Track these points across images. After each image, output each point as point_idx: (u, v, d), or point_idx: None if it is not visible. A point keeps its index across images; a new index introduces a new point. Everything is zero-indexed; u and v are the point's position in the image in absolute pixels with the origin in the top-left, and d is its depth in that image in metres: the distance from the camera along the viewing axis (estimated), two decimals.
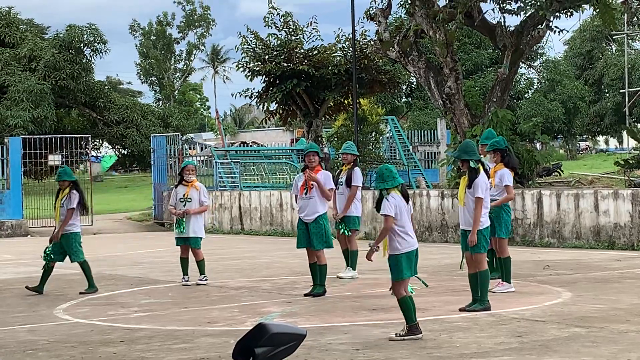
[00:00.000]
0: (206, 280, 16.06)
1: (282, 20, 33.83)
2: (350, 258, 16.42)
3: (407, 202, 10.40)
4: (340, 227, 16.23)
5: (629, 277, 15.60)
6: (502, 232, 13.79)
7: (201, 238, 16.30)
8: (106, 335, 11.26)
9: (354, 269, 16.45)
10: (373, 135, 35.28)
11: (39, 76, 50.33)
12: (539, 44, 43.67)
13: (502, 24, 26.65)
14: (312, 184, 14.28)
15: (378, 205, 10.39)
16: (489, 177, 12.61)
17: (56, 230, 15.58)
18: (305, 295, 14.14)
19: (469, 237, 12.03)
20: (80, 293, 15.30)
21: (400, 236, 10.24)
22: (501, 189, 13.86)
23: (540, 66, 64.60)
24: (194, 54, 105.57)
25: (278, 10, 33.94)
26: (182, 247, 16.28)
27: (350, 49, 31.77)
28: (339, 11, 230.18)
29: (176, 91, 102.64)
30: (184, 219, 16.10)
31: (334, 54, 33.83)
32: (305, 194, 14.34)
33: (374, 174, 36.07)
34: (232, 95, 79.71)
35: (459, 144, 26.52)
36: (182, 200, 16.18)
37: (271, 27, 33.75)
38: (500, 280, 13.86)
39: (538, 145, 41.69)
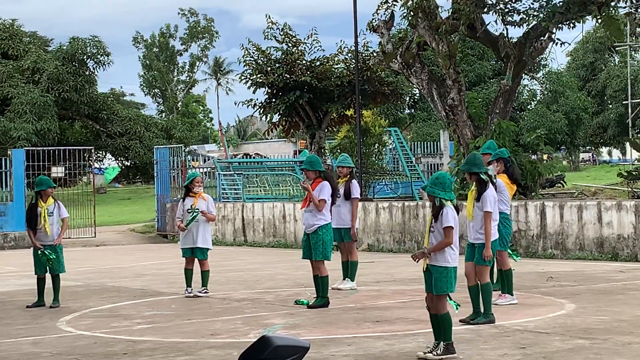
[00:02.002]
0: (206, 293, 16.00)
1: (282, 33, 33.86)
2: (350, 269, 16.41)
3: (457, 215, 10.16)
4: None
5: (633, 289, 15.57)
6: (502, 244, 13.76)
7: (208, 249, 16.29)
8: (109, 347, 11.25)
9: (353, 280, 16.44)
10: (376, 146, 35.34)
11: (42, 88, 50.38)
12: (542, 56, 43.67)
13: (505, 35, 26.67)
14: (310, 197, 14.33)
15: (437, 214, 9.92)
16: (497, 190, 12.60)
17: (56, 239, 15.47)
18: (308, 307, 14.13)
19: (483, 252, 12.00)
20: (50, 307, 15.21)
21: (453, 250, 9.93)
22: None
23: (543, 77, 64.63)
24: (197, 66, 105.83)
25: (277, 24, 33.99)
26: (188, 259, 16.25)
27: (353, 60, 31.81)
28: (342, 23, 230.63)
29: (179, 103, 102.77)
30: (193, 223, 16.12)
31: (336, 66, 33.87)
32: (307, 207, 14.38)
33: (378, 185, 35.87)
34: (235, 104, 79.68)
35: (462, 156, 26.63)
36: (189, 211, 16.16)
37: (271, 40, 33.81)
38: (501, 292, 13.83)
39: (545, 157, 41.64)
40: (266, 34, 33.76)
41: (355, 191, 16.36)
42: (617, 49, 67.60)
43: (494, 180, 12.70)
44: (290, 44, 33.71)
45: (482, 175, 12.00)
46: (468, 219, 12.38)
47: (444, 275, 9.89)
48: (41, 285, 15.52)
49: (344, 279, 16.46)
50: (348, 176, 16.42)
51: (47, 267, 15.46)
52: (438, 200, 9.89)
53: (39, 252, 15.42)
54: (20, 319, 14.15)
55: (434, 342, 9.94)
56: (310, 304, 14.25)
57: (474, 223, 12.22)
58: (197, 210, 16.07)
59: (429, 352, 9.83)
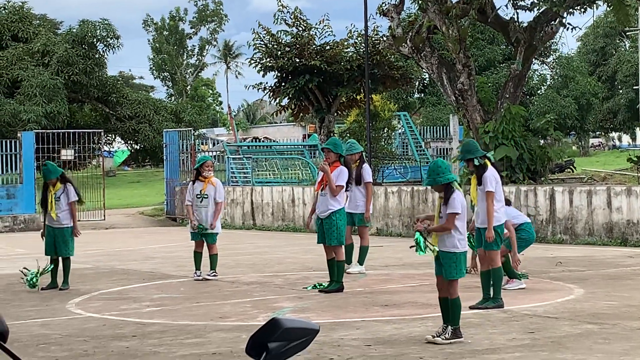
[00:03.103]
0: (215, 276, 16.01)
1: (292, 17, 33.79)
2: (360, 253, 16.42)
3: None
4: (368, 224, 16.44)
5: None
6: (502, 235, 13.70)
7: (217, 233, 16.30)
8: (118, 329, 11.28)
9: (362, 264, 16.45)
10: (385, 131, 35.26)
11: (52, 71, 50.37)
12: (552, 40, 43.54)
13: (516, 20, 26.58)
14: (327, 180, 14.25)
15: (447, 199, 9.89)
16: (499, 172, 12.56)
17: (73, 226, 15.56)
18: (320, 291, 14.11)
19: (486, 233, 11.99)
20: (60, 289, 15.26)
21: (461, 234, 9.93)
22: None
23: (553, 62, 64.44)
24: (207, 50, 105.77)
25: (287, 8, 33.91)
26: (197, 242, 16.25)
27: (363, 44, 31.74)
28: (352, 7, 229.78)
29: (188, 86, 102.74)
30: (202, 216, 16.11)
31: (346, 50, 33.80)
32: (322, 189, 14.30)
33: (387, 170, 35.87)
34: (245, 87, 79.62)
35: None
36: (199, 196, 16.14)
37: (281, 24, 33.74)
38: (508, 277, 13.82)
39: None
40: (276, 17, 33.71)
41: (367, 175, 16.33)
42: (627, 34, 67.35)
43: (492, 160, 12.49)
44: (300, 28, 33.64)
45: (475, 161, 11.98)
46: (473, 203, 12.39)
47: (453, 261, 9.90)
48: (54, 267, 15.57)
49: (351, 263, 16.48)
50: (358, 161, 16.38)
51: (56, 250, 15.53)
52: (452, 186, 9.90)
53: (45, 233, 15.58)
54: (29, 300, 14.20)
55: (442, 325, 9.96)
56: (325, 287, 14.22)
57: (479, 208, 12.21)
58: (202, 227, 16.01)
59: (437, 336, 9.84)
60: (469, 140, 12.93)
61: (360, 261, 16.44)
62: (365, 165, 16.54)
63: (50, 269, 15.45)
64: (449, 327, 9.87)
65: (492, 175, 12.03)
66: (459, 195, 9.90)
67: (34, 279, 15.33)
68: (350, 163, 15.18)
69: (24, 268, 15.51)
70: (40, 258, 15.83)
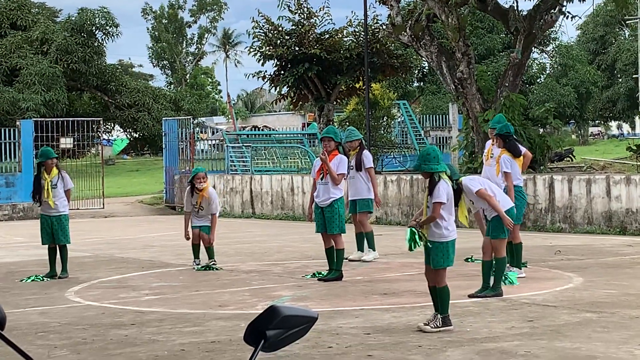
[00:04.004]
0: (214, 263, 15.96)
1: (295, 3, 33.74)
2: (368, 240, 16.43)
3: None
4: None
5: None
6: (514, 217, 13.71)
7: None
8: (117, 318, 11.29)
9: (374, 250, 16.51)
10: (385, 119, 35.25)
11: (50, 59, 50.36)
12: (552, 29, 43.48)
13: (515, 8, 26.55)
14: (327, 169, 14.23)
15: (431, 189, 9.88)
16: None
17: (66, 212, 15.52)
18: (320, 279, 14.10)
19: (503, 221, 11.74)
20: (59, 278, 15.24)
21: (448, 223, 9.92)
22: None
23: (552, 51, 64.37)
24: (206, 38, 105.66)
25: None
26: (194, 234, 16.25)
27: (362, 33, 31.70)
28: None
29: (188, 75, 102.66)
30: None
31: (345, 38, 33.76)
32: (322, 178, 14.28)
33: (386, 159, 35.85)
34: (245, 76, 79.37)
35: (471, 129, 26.59)
36: (195, 207, 16.19)
37: (284, 10, 33.68)
38: (509, 265, 13.81)
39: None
40: (280, 2, 33.63)
41: (368, 161, 16.28)
42: (627, 22, 67.27)
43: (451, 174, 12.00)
44: (303, 15, 33.59)
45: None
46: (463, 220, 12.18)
47: (440, 250, 9.92)
48: (52, 256, 15.52)
49: (359, 250, 16.50)
50: (358, 148, 16.36)
51: (54, 237, 15.47)
52: (437, 176, 9.89)
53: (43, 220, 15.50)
54: (28, 289, 14.20)
55: (433, 313, 9.97)
56: (324, 276, 14.21)
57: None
58: (201, 208, 16.07)
59: (426, 325, 9.86)
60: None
61: (372, 247, 16.48)
62: (366, 152, 16.51)
63: (41, 278, 15.30)
64: (438, 315, 9.88)
65: (443, 188, 11.79)
66: (443, 184, 9.88)
67: (30, 279, 15.23)
68: (347, 151, 15.17)
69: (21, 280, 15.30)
70: (39, 246, 15.81)
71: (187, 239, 16.29)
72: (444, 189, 9.86)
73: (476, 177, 12.27)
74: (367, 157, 16.36)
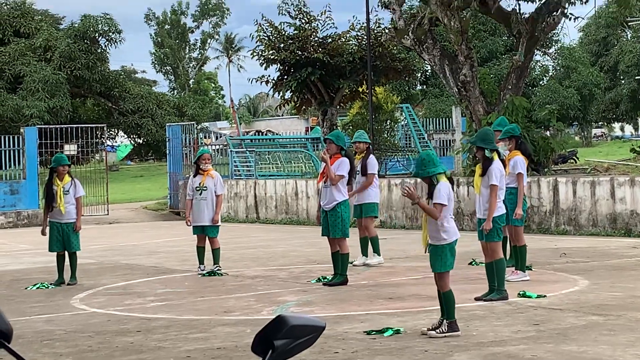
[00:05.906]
0: (219, 269, 15.96)
1: (295, 9, 33.78)
2: (373, 245, 16.43)
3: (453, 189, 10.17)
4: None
5: None
6: (517, 220, 13.72)
7: (218, 227, 16.28)
8: (123, 325, 11.28)
9: (379, 254, 16.51)
10: (388, 123, 35.23)
11: (54, 66, 50.38)
12: (554, 31, 43.47)
13: (517, 11, 26.56)
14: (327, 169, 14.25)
15: (431, 192, 9.92)
16: (504, 166, 12.56)
17: (75, 221, 15.51)
18: (325, 284, 14.10)
19: (483, 224, 11.99)
20: (68, 284, 15.25)
21: (446, 226, 9.91)
22: (514, 176, 13.80)
23: (555, 53, 64.34)
24: (209, 43, 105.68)
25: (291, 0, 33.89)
26: (199, 236, 16.25)
27: (365, 37, 31.72)
28: None
29: (191, 80, 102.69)
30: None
31: (348, 42, 33.79)
32: (325, 182, 14.28)
33: (390, 162, 35.85)
34: (249, 80, 79.09)
35: (474, 132, 26.54)
36: (198, 189, 16.14)
37: (285, 16, 33.72)
38: (514, 268, 13.82)
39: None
40: (280, 9, 33.69)
41: (370, 167, 16.32)
42: (629, 24, 67.20)
43: (503, 157, 12.58)
44: (304, 20, 33.62)
45: (486, 152, 11.95)
46: (475, 192, 12.37)
47: (439, 254, 9.95)
48: (61, 263, 15.51)
49: (363, 255, 16.50)
50: (365, 152, 16.40)
51: (64, 245, 15.46)
52: (435, 179, 9.91)
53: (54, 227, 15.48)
54: (34, 296, 14.20)
55: (440, 318, 9.96)
56: (329, 280, 14.21)
57: (481, 198, 12.18)
58: (205, 189, 16.06)
59: (432, 330, 9.84)
60: (487, 129, 12.87)
61: (377, 251, 16.48)
62: (371, 157, 16.55)
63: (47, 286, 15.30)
64: (445, 321, 9.86)
65: (498, 169, 11.99)
66: (444, 185, 9.89)
67: (36, 287, 15.22)
68: (352, 155, 15.17)
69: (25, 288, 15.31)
70: (45, 254, 15.79)
71: (188, 224, 16.32)
72: (445, 190, 9.87)
73: (501, 172, 12.18)
74: (371, 163, 16.39)
